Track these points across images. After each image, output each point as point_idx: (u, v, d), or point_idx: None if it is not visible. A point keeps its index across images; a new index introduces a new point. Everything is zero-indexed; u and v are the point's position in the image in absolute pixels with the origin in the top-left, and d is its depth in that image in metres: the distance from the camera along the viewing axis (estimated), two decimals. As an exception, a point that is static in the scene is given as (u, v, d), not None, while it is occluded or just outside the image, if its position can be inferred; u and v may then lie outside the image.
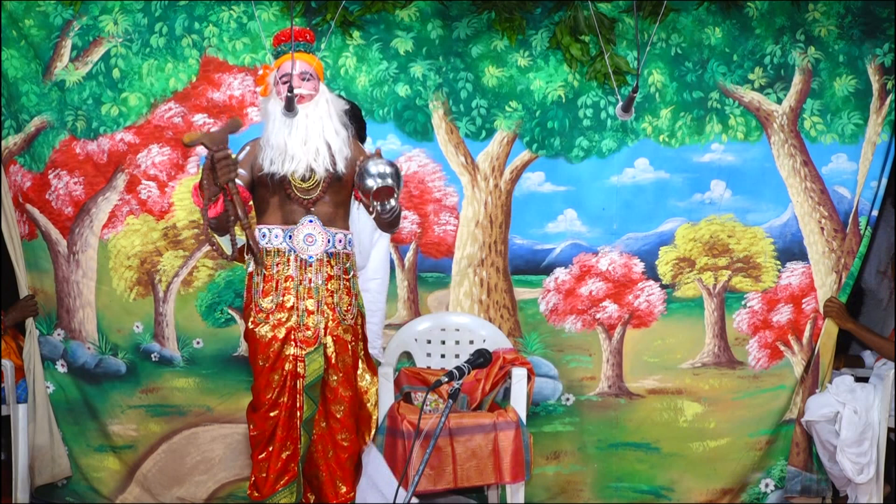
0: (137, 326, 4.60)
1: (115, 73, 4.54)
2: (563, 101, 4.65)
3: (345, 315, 3.63)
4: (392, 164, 3.52)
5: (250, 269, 3.64)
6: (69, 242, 4.59)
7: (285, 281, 3.57)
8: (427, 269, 4.65)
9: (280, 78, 3.58)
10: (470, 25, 4.61)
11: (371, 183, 3.46)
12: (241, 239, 3.59)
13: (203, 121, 4.56)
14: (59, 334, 4.61)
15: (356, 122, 4.03)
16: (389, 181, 3.48)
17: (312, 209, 3.60)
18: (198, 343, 4.60)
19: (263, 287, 3.58)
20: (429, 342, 4.52)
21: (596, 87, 4.64)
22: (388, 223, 3.69)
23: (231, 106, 4.56)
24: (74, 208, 4.57)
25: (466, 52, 4.63)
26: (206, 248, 4.56)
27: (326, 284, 3.59)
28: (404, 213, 4.61)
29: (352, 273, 3.68)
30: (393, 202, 3.52)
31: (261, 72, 3.77)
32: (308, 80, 3.60)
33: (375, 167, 3.48)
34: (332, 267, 3.61)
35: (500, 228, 4.68)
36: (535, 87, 4.64)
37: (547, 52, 4.63)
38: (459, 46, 4.62)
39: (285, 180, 3.56)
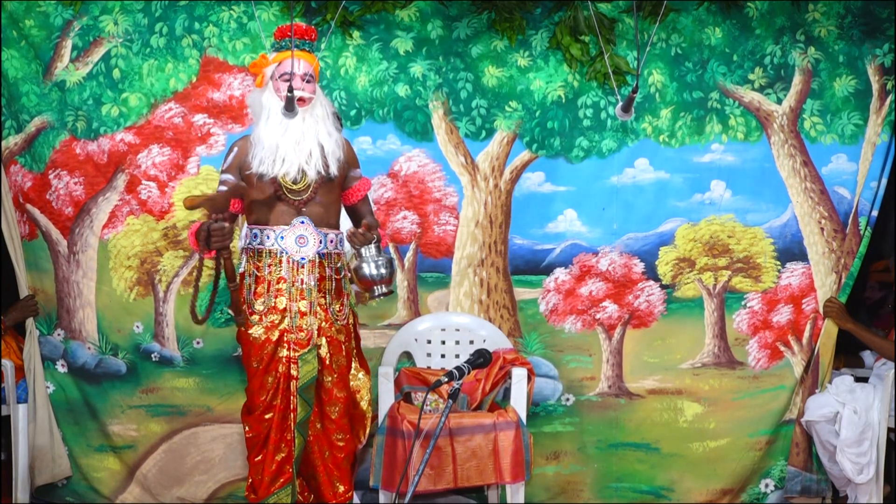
0: (137, 326, 4.60)
1: (116, 74, 4.55)
2: (563, 101, 4.65)
3: (337, 315, 3.62)
4: (390, 260, 3.61)
5: (242, 270, 3.63)
6: (69, 242, 4.59)
7: (277, 283, 3.56)
8: (427, 269, 4.65)
9: (281, 75, 3.57)
10: (470, 25, 4.61)
11: (367, 272, 3.58)
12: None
13: (203, 121, 4.56)
14: (59, 334, 4.61)
15: None
16: (386, 287, 3.57)
17: (304, 210, 3.58)
18: (198, 343, 4.60)
19: (256, 289, 3.57)
20: (429, 342, 4.52)
21: (596, 87, 4.64)
22: None
23: (231, 106, 4.56)
24: (74, 208, 4.57)
25: (466, 52, 4.63)
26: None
27: (319, 285, 3.58)
28: (404, 213, 4.62)
29: (343, 273, 3.67)
30: (383, 297, 3.64)
31: (256, 59, 3.75)
32: (309, 81, 3.59)
33: (377, 263, 3.58)
34: (324, 268, 3.60)
35: (500, 228, 4.68)
36: (535, 87, 4.65)
37: (547, 52, 4.63)
38: (459, 46, 4.63)
39: (276, 182, 3.54)
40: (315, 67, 3.66)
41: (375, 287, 3.57)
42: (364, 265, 3.56)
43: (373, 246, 3.56)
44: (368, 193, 3.89)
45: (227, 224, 3.39)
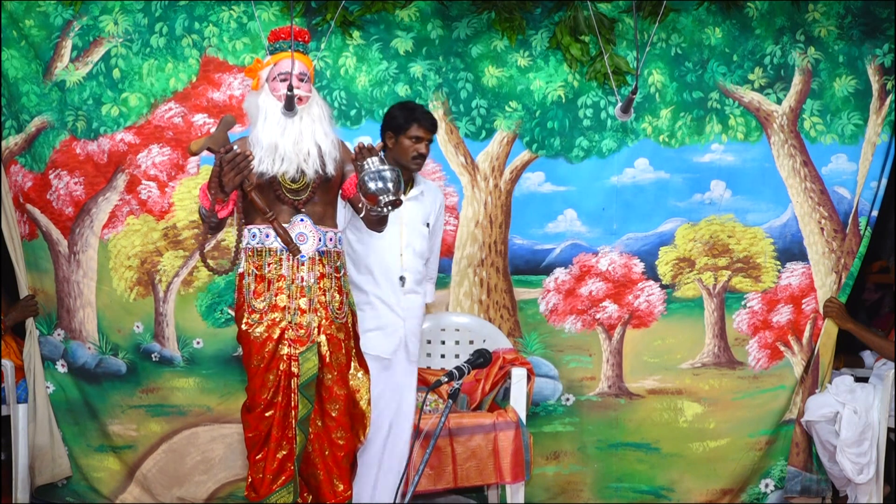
0: (137, 326, 4.60)
1: (116, 74, 4.55)
2: (563, 101, 4.65)
3: (337, 313, 3.63)
4: (394, 170, 3.50)
5: (241, 270, 3.63)
6: (69, 242, 4.59)
7: (278, 280, 3.57)
8: (427, 269, 4.64)
9: (278, 76, 3.58)
10: (470, 25, 4.62)
11: (373, 186, 3.44)
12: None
13: (203, 121, 4.56)
14: (59, 334, 4.61)
15: (389, 119, 4.11)
16: (391, 195, 3.45)
17: (303, 209, 3.59)
18: (198, 343, 4.60)
19: (255, 287, 3.57)
20: (429, 342, 4.52)
21: (596, 87, 4.64)
22: (377, 221, 3.70)
23: (231, 106, 4.56)
24: (75, 208, 4.57)
25: (466, 52, 4.63)
26: (206, 248, 4.55)
27: (318, 283, 3.59)
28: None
29: (343, 271, 3.68)
30: (392, 208, 3.51)
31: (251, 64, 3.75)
32: (305, 81, 3.60)
33: (380, 173, 3.45)
34: (323, 265, 3.60)
35: (500, 228, 4.68)
36: (535, 87, 4.65)
37: (547, 52, 4.64)
38: (459, 46, 4.63)
39: (275, 181, 3.55)
40: (310, 69, 3.66)
41: (381, 198, 3.48)
42: (367, 178, 3.46)
43: (376, 158, 3.49)
44: None
45: (237, 149, 3.39)
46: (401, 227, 4.08)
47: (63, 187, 4.56)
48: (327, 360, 3.61)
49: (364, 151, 3.51)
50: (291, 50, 3.54)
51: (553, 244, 4.71)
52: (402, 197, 3.54)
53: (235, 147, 3.50)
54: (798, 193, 4.66)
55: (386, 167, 3.46)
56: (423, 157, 4.10)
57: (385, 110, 4.59)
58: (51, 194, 4.57)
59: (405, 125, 4.07)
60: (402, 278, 4.06)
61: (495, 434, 4.09)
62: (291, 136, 3.55)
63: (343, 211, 3.90)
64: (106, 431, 4.61)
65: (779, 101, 4.65)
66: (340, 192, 3.74)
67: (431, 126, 4.11)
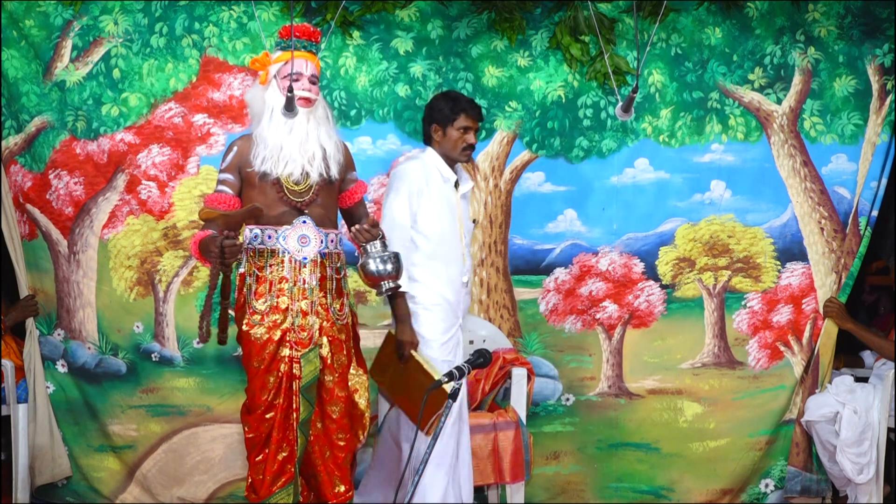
0: (137, 326, 4.60)
1: (116, 74, 4.55)
2: (563, 101, 4.65)
3: (338, 315, 3.63)
4: (396, 254, 3.59)
5: (242, 270, 3.63)
6: (69, 242, 4.59)
7: (279, 282, 3.56)
8: (427, 269, 4.64)
9: (287, 75, 3.57)
10: (470, 25, 4.61)
11: (374, 269, 3.58)
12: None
13: (203, 121, 4.56)
14: (59, 334, 4.61)
15: (434, 111, 4.02)
16: (392, 280, 3.58)
17: (305, 211, 3.59)
18: (198, 343, 4.60)
19: (257, 289, 3.57)
20: (429, 342, 4.51)
21: (596, 87, 4.64)
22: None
23: (231, 106, 4.56)
24: (75, 208, 4.57)
25: (466, 52, 4.63)
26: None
27: (320, 285, 3.59)
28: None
29: (343, 272, 3.68)
30: (391, 293, 3.67)
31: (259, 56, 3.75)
32: (315, 83, 3.61)
33: (382, 257, 3.58)
34: (325, 267, 3.60)
35: (499, 228, 4.68)
36: (535, 87, 4.65)
37: (547, 52, 4.64)
38: (459, 46, 4.63)
39: (278, 182, 3.55)
40: (318, 70, 3.67)
41: (382, 283, 3.56)
42: (370, 261, 3.55)
43: (378, 242, 3.56)
44: (365, 196, 3.90)
45: (238, 241, 3.39)
46: (460, 228, 4.04)
47: (63, 187, 4.56)
48: (329, 361, 3.61)
49: (363, 232, 3.54)
50: (292, 49, 3.54)
51: (553, 244, 4.71)
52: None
53: (238, 240, 3.47)
54: (798, 193, 4.66)
55: (387, 253, 3.53)
56: (472, 147, 4.01)
57: (385, 110, 4.61)
58: (50, 194, 4.57)
59: (452, 116, 3.97)
60: (465, 282, 4.04)
61: (495, 434, 4.09)
62: (297, 138, 3.55)
63: (407, 208, 3.90)
64: (106, 431, 4.60)
65: (779, 101, 4.65)
66: (339, 198, 3.74)
67: (478, 115, 4.02)
